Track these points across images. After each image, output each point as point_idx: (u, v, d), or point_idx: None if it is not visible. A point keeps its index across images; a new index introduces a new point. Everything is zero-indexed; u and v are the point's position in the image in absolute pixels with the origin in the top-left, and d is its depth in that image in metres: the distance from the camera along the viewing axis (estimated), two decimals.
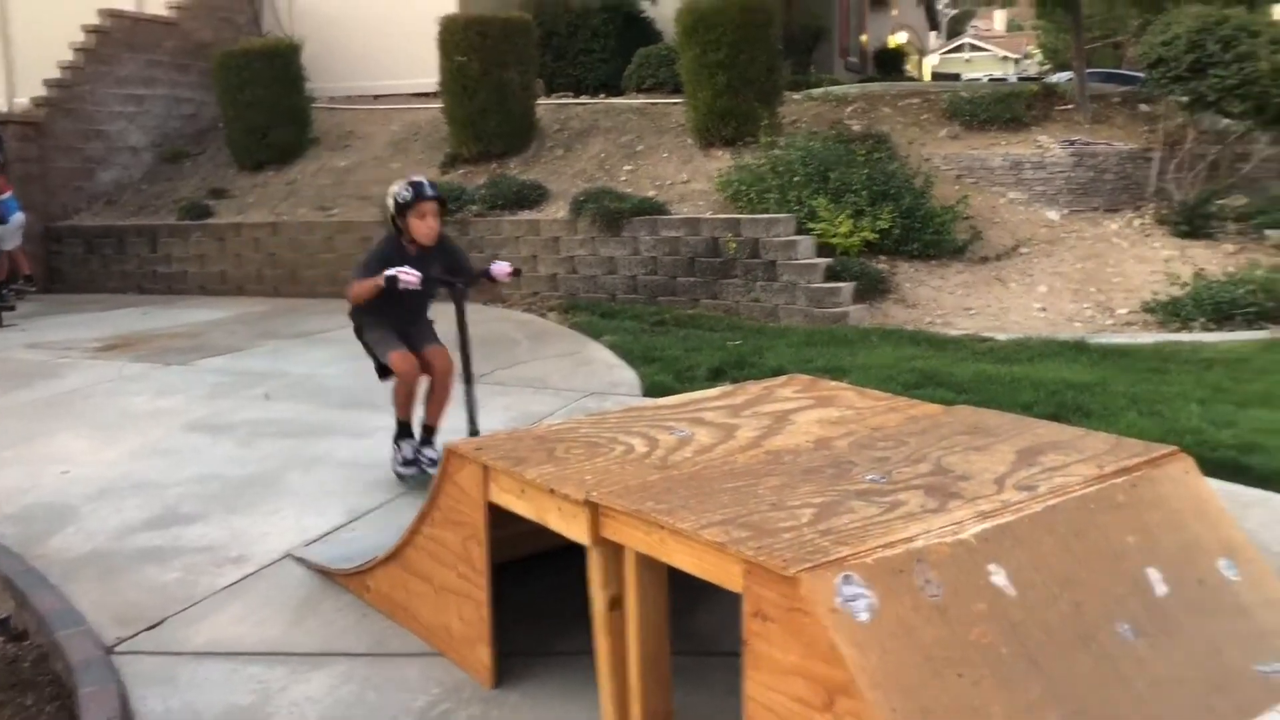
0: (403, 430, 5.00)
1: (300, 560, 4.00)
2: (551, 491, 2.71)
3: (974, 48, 62.03)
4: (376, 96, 14.89)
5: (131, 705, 3.00)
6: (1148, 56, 9.74)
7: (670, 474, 2.76)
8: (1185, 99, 9.50)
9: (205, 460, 5.29)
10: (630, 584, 2.59)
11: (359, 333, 5.01)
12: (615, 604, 2.68)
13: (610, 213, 9.78)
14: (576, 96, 14.48)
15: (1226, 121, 9.99)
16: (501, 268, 4.95)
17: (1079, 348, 7.17)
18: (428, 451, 4.94)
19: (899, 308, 8.68)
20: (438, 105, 12.63)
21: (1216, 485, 4.24)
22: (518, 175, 11.48)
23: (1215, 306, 7.68)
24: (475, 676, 3.08)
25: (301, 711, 2.98)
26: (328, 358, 7.67)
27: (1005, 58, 57.89)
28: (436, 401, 5.04)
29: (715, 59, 10.68)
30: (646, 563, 2.56)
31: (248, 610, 3.63)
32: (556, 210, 10.58)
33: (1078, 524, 2.48)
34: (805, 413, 3.30)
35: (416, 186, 4.75)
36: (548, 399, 6.33)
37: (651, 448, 2.99)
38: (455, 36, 11.75)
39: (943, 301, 8.78)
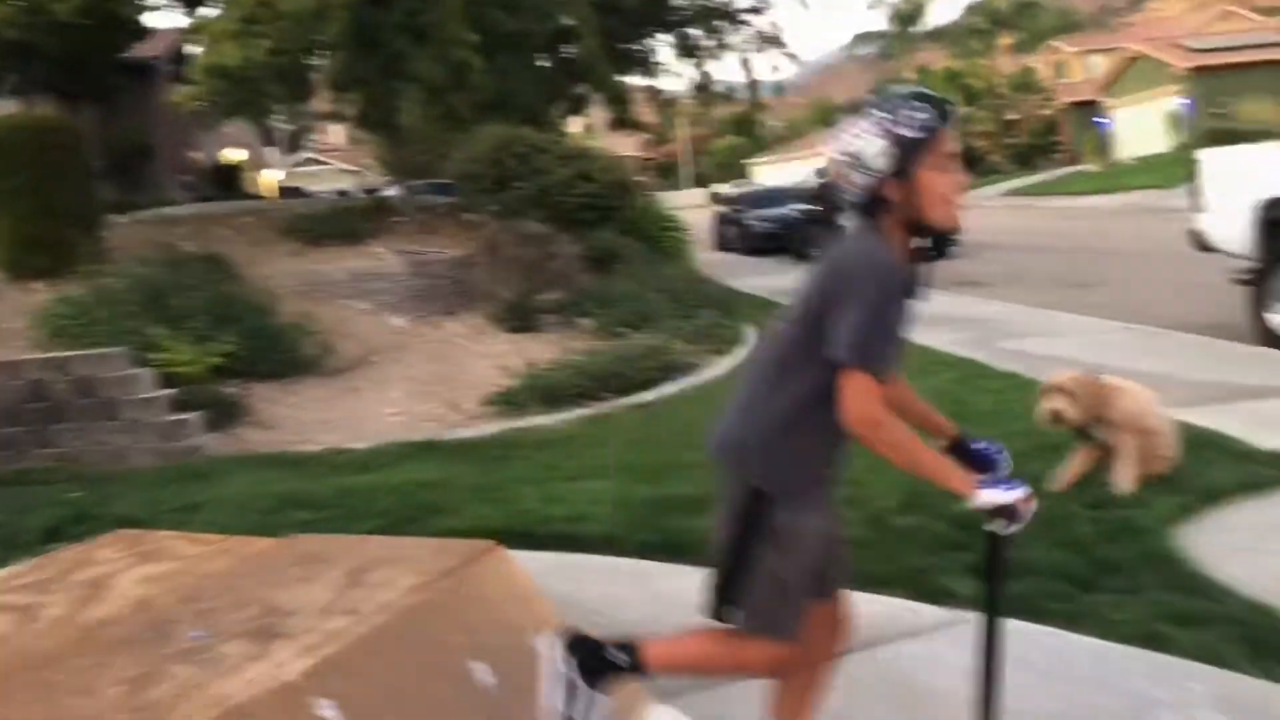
0: None
1: None
2: None
3: (316, 161, 63.39)
4: None
5: None
6: (459, 171, 10.68)
7: None
8: (496, 208, 10.56)
9: None
10: None
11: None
12: None
13: None
14: None
15: (534, 225, 11.27)
16: None
17: (430, 447, 7.53)
18: None
19: (256, 431, 8.47)
20: None
21: (552, 557, 4.72)
22: None
23: (544, 392, 8.53)
24: None
25: None
26: None
27: (347, 170, 59.92)
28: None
29: (14, 184, 9.69)
30: None
31: None
32: None
33: (405, 637, 2.57)
34: (126, 573, 3.05)
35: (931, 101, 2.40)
36: None
37: None
38: None
39: (300, 418, 8.73)
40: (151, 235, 11.59)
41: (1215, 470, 5.29)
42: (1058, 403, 5.11)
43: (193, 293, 9.19)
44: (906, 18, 56.25)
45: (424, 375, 9.68)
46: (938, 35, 58.41)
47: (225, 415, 8.45)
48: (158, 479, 7.28)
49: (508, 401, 8.59)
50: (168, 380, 8.55)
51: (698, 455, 6.26)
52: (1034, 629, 3.72)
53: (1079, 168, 45.54)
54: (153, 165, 19.88)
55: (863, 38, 58.95)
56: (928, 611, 4.00)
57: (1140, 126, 45.70)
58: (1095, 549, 4.42)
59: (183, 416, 8.21)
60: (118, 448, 8.18)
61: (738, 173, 77.12)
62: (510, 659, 2.73)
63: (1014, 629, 3.65)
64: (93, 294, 9.11)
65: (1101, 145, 47.44)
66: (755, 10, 18.62)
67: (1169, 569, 4.20)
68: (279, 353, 9.25)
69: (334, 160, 65.32)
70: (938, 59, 74.96)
